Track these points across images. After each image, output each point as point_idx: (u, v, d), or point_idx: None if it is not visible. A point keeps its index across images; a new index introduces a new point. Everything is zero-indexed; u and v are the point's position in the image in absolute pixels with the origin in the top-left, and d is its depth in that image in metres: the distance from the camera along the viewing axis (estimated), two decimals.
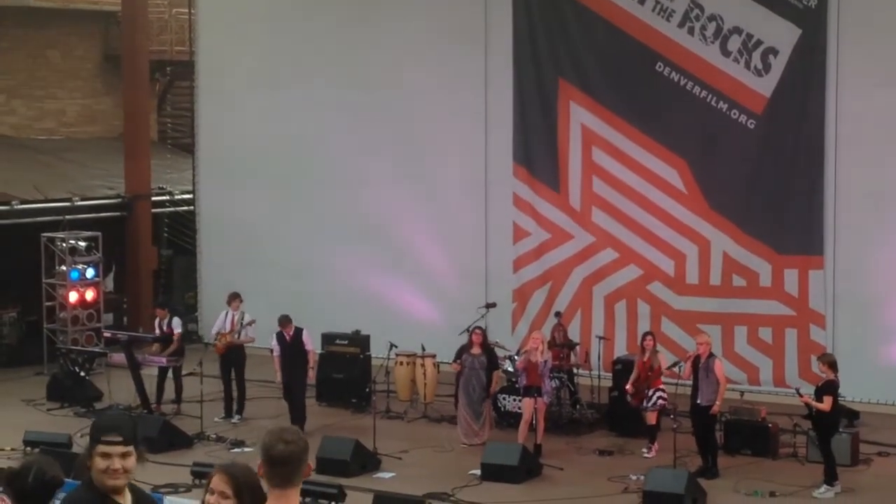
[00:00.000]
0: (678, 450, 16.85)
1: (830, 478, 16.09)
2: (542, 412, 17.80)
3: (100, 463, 5.42)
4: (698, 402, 16.97)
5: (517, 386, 18.87)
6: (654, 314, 21.63)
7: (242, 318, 20.18)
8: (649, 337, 18.38)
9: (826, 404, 15.99)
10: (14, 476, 5.88)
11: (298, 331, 19.53)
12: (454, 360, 18.88)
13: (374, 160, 24.21)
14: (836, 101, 20.22)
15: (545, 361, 17.91)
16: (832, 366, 16.23)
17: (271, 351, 19.86)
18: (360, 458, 17.20)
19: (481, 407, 18.55)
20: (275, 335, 19.61)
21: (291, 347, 19.45)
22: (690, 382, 17.21)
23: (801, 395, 16.42)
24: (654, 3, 21.52)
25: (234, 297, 20.50)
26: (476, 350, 18.56)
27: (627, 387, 18.20)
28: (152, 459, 17.27)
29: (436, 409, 20.38)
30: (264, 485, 5.27)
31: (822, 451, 16.28)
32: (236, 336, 20.15)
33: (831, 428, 16.33)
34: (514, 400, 19.15)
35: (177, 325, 20.81)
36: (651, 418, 18.02)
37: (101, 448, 5.43)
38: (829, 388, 16.12)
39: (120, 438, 5.47)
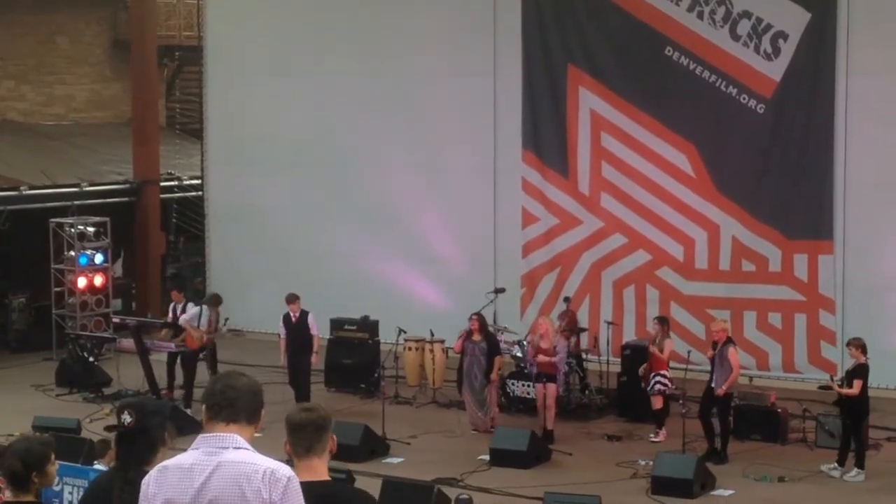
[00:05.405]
0: (687, 434, 16.83)
1: (861, 461, 16.07)
2: (552, 397, 17.80)
3: None
4: (713, 386, 16.95)
5: (526, 372, 18.89)
6: (662, 299, 21.60)
7: (222, 321, 20.34)
8: (656, 321, 18.41)
9: (855, 388, 15.96)
10: (2, 450, 6.31)
11: (304, 313, 19.53)
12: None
13: (384, 146, 24.19)
14: (846, 86, 20.14)
15: (557, 346, 17.88)
16: (863, 349, 16.15)
17: (279, 335, 19.89)
18: (369, 443, 17.22)
19: (483, 394, 18.45)
20: (282, 318, 19.62)
21: (296, 329, 19.44)
22: (702, 367, 17.21)
23: (833, 384, 16.39)
24: None
25: (218, 301, 20.62)
26: (476, 336, 18.48)
27: (640, 370, 18.21)
28: None
29: (444, 395, 20.38)
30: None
31: (854, 436, 16.17)
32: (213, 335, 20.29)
33: (862, 412, 16.27)
34: (524, 385, 19.16)
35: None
36: (656, 403, 17.99)
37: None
38: (859, 371, 16.09)
39: None
